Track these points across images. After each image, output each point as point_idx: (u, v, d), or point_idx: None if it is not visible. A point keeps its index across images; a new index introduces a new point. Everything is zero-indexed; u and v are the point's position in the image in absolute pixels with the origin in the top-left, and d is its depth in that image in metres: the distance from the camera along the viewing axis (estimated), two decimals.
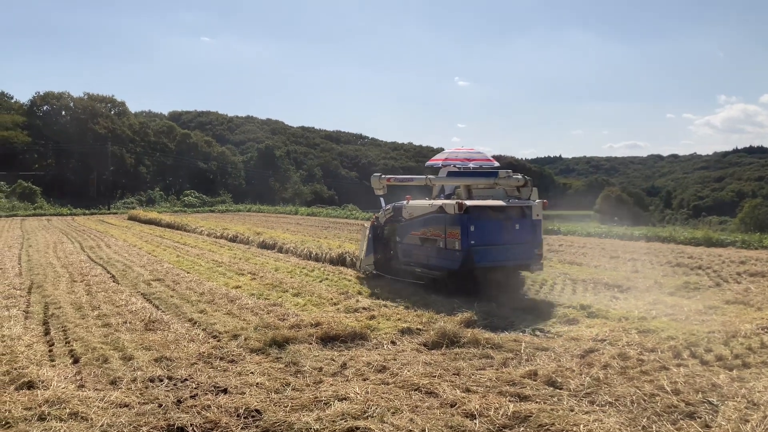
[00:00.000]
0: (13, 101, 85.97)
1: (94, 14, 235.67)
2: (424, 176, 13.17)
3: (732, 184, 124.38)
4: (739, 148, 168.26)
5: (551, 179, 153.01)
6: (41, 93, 78.05)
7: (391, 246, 13.17)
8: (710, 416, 5.28)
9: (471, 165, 12.90)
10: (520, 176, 12.18)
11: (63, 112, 78.99)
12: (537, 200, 11.69)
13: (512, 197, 12.02)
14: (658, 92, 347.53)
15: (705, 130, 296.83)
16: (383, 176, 13.38)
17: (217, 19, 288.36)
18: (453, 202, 11.24)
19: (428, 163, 14.22)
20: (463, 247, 10.74)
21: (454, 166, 12.89)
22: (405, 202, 12.62)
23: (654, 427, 5.08)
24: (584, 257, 17.25)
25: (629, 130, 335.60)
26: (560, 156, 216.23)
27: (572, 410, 5.40)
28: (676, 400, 5.58)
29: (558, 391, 5.94)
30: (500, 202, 11.66)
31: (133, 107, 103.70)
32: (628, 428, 5.04)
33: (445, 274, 11.37)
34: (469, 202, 11.22)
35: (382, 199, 13.50)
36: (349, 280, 12.78)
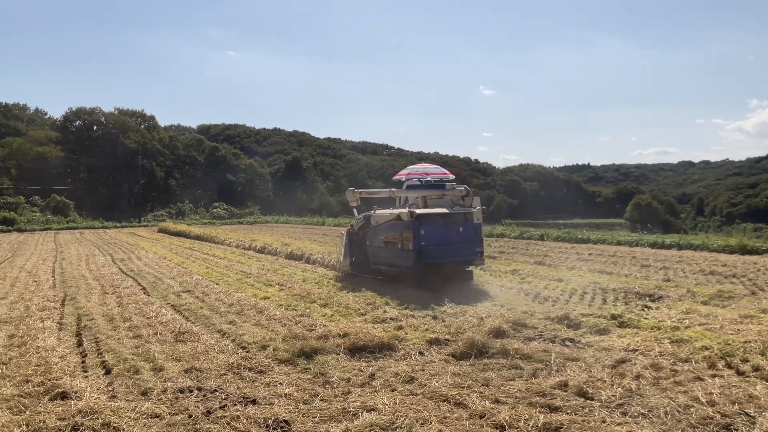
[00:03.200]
0: (46, 117, 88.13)
1: (124, 32, 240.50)
2: (388, 189, 15.56)
3: (767, 190, 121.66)
4: None
5: (580, 187, 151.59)
6: (74, 109, 79.96)
7: (363, 249, 14.96)
8: (747, 428, 5.14)
9: (429, 179, 15.04)
10: (462, 188, 14.17)
11: (95, 127, 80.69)
12: (477, 207, 13.90)
13: (457, 205, 14.03)
14: (686, 97, 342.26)
15: (736, 136, 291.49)
16: (356, 190, 15.88)
17: (242, 34, 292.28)
18: (406, 210, 13.28)
19: (395, 177, 16.36)
20: (415, 247, 12.81)
21: (419, 180, 15.09)
22: (373, 211, 14.63)
23: None
24: (614, 266, 17.01)
25: (658, 136, 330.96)
26: (589, 164, 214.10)
27: (604, 422, 5.31)
28: (711, 412, 5.45)
29: (589, 402, 5.85)
30: (445, 210, 13.69)
31: (163, 121, 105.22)
32: None
33: (403, 270, 13.41)
34: (419, 210, 13.35)
35: (355, 210, 15.59)
36: (376, 290, 12.78)
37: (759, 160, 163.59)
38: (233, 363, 7.31)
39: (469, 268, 14.06)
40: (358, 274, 14.95)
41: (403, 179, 15.57)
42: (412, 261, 12.90)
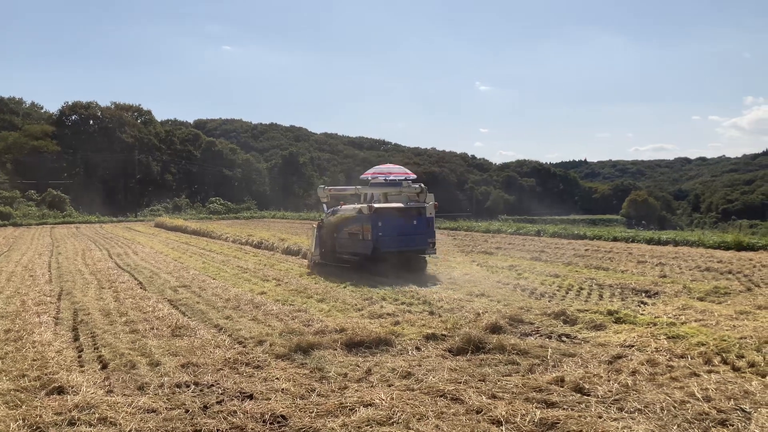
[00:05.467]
0: (42, 111, 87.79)
1: (120, 26, 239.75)
2: (354, 186, 17.32)
3: (763, 187, 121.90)
4: None
5: (576, 183, 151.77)
6: (70, 103, 79.70)
7: (331, 240, 16.31)
8: (743, 424, 5.16)
9: (392, 177, 16.38)
10: (417, 185, 15.52)
11: (91, 122, 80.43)
12: (431, 203, 15.35)
13: (413, 201, 15.42)
14: (683, 94, 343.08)
15: (732, 132, 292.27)
16: (326, 187, 17.51)
17: (238, 29, 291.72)
18: (366, 205, 14.84)
19: (361, 176, 17.74)
20: (373, 237, 14.37)
21: (385, 179, 16.36)
22: (339, 207, 16.31)
23: None
24: (611, 262, 17.03)
25: (655, 132, 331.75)
26: (585, 160, 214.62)
27: (600, 417, 5.33)
28: (707, 408, 5.47)
29: (585, 397, 5.87)
30: (401, 204, 15.21)
31: (159, 116, 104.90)
32: None
33: (363, 258, 14.94)
34: (377, 205, 14.87)
35: (325, 205, 17.09)
36: (373, 286, 12.79)
37: (755, 156, 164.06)
38: (230, 358, 7.31)
39: (425, 257, 15.47)
40: (326, 263, 16.26)
41: (369, 178, 16.93)
42: (371, 250, 14.50)
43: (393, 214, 14.76)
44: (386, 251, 14.50)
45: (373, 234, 14.35)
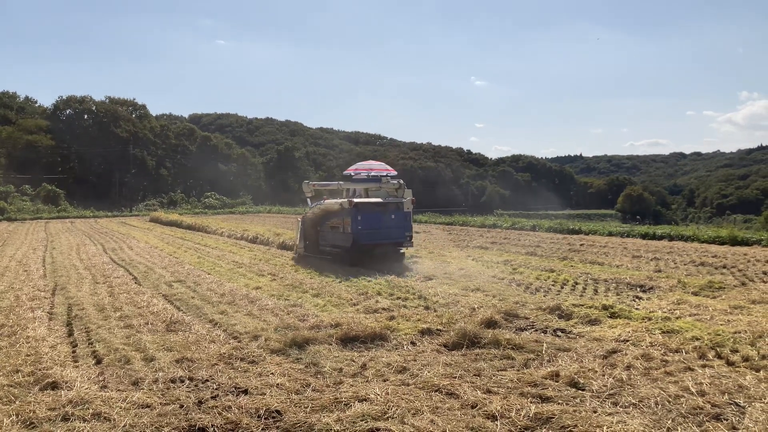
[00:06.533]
0: (36, 106, 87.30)
1: (114, 20, 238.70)
2: (337, 182, 17.83)
3: (757, 182, 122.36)
4: (764, 145, 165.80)
5: (572, 178, 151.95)
6: (64, 97, 79.32)
7: (314, 233, 17.14)
8: (737, 418, 5.18)
9: (373, 174, 17.30)
10: (395, 182, 16.33)
11: (85, 116, 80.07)
12: (408, 198, 16.14)
13: (391, 196, 16.22)
14: (677, 89, 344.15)
15: (727, 128, 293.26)
16: (310, 182, 17.97)
17: (232, 23, 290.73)
18: (346, 200, 15.44)
19: (345, 172, 18.50)
20: (353, 230, 15.06)
21: (366, 175, 17.23)
22: (322, 201, 16.90)
23: (679, 429, 5.00)
24: (606, 257, 17.07)
25: (650, 128, 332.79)
26: (581, 155, 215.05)
27: (595, 411, 5.33)
28: (701, 402, 5.49)
29: (580, 392, 5.87)
30: (380, 199, 15.95)
31: (154, 110, 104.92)
32: (653, 430, 4.97)
33: (343, 250, 15.64)
34: (357, 200, 15.51)
35: (309, 200, 17.66)
36: (368, 281, 12.78)
37: (750, 151, 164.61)
38: (225, 353, 7.29)
39: (402, 250, 16.22)
40: (310, 255, 17.11)
41: (351, 174, 17.83)
42: (350, 242, 15.22)
43: (372, 209, 15.50)
44: (365, 243, 15.27)
45: (353, 227, 15.05)
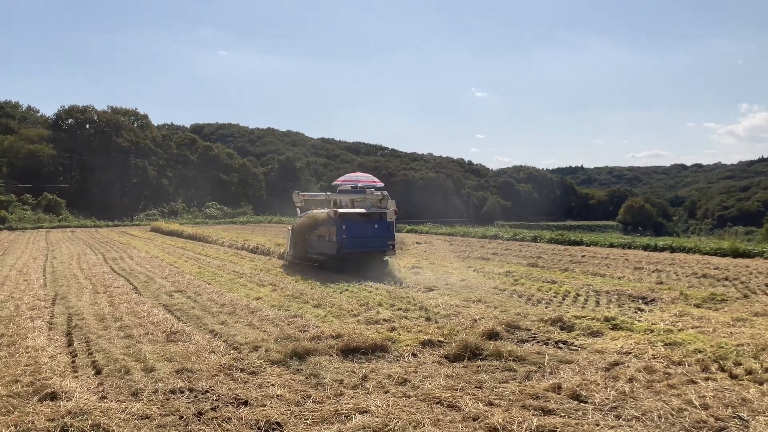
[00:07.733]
0: (38, 115, 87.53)
1: (116, 31, 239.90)
2: (325, 193, 18.98)
3: (758, 194, 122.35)
4: (765, 157, 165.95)
5: (573, 189, 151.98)
6: (66, 107, 79.29)
7: (303, 241, 18.06)
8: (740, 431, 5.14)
9: (360, 185, 18.09)
10: (379, 193, 16.93)
11: (87, 126, 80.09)
12: (391, 209, 16.59)
13: (375, 207, 16.83)
14: (678, 101, 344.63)
15: (728, 140, 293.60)
16: (300, 193, 19.12)
17: (233, 33, 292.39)
18: (332, 210, 16.23)
19: (333, 183, 19.47)
20: (338, 239, 15.84)
21: (351, 187, 18.17)
22: (310, 211, 17.91)
23: None
24: (607, 268, 17.03)
25: (651, 139, 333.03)
26: (582, 166, 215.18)
27: (597, 425, 5.30)
28: (704, 415, 5.45)
29: (583, 404, 5.83)
30: (363, 210, 16.67)
31: (156, 120, 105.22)
32: None
33: (329, 257, 16.56)
34: (342, 210, 16.33)
35: (298, 209, 18.76)
36: (369, 291, 12.74)
37: (751, 163, 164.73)
38: (225, 364, 7.26)
39: (386, 258, 16.95)
40: (299, 262, 18.12)
41: (339, 185, 18.77)
42: (335, 250, 16.03)
43: (356, 219, 16.27)
44: (349, 251, 16.08)
45: (337, 236, 15.84)
